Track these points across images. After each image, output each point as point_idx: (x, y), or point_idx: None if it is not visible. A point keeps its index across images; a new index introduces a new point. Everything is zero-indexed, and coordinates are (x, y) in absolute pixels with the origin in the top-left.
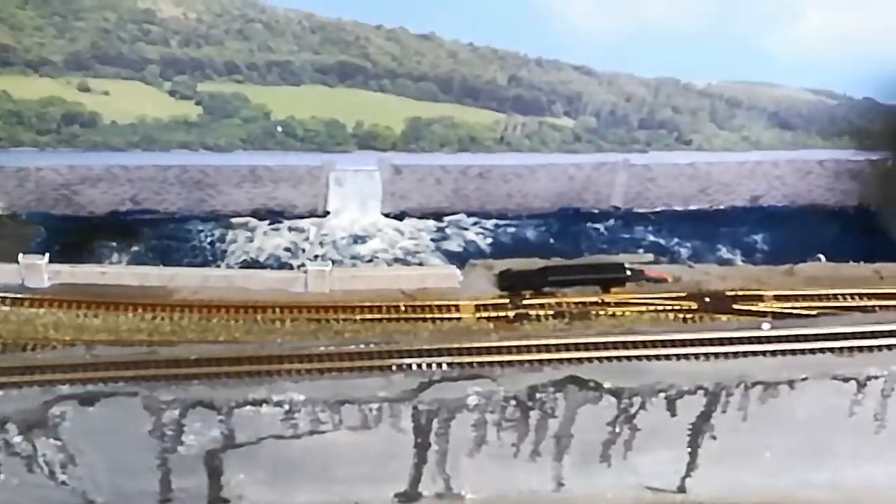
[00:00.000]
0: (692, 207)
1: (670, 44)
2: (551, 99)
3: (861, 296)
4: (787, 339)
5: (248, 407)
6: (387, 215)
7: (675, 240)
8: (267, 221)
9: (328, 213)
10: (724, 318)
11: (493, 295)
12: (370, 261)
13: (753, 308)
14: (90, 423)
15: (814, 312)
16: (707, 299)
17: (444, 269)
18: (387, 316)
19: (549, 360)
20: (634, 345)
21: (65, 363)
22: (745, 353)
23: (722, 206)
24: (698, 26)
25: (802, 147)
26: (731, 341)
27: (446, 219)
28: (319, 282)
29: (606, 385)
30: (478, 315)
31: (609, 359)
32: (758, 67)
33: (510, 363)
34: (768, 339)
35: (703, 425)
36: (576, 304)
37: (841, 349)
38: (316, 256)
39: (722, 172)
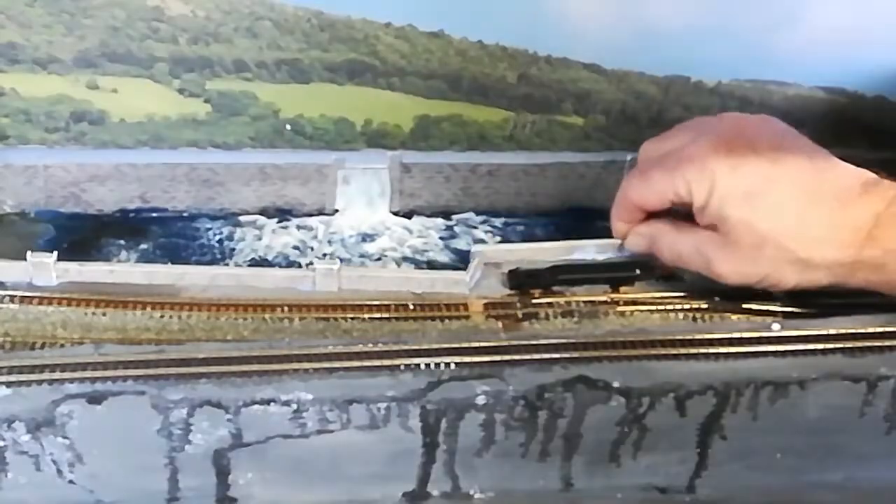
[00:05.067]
0: None
1: (680, 41)
2: (561, 97)
3: (873, 295)
4: (798, 339)
5: (256, 406)
6: (395, 213)
7: None
8: (275, 219)
9: (336, 211)
10: (734, 317)
11: (502, 294)
12: (378, 259)
13: (764, 307)
14: (98, 421)
15: (825, 312)
16: (717, 298)
17: (454, 274)
18: (395, 315)
19: (558, 360)
20: (644, 344)
21: (73, 362)
22: (755, 354)
23: None
24: (709, 23)
25: None
26: (741, 341)
27: (455, 217)
28: (328, 280)
29: (615, 385)
30: (486, 314)
31: (618, 358)
32: (769, 65)
33: (519, 362)
34: (778, 339)
35: (713, 425)
36: (585, 303)
37: (852, 349)
38: (324, 255)
39: None
